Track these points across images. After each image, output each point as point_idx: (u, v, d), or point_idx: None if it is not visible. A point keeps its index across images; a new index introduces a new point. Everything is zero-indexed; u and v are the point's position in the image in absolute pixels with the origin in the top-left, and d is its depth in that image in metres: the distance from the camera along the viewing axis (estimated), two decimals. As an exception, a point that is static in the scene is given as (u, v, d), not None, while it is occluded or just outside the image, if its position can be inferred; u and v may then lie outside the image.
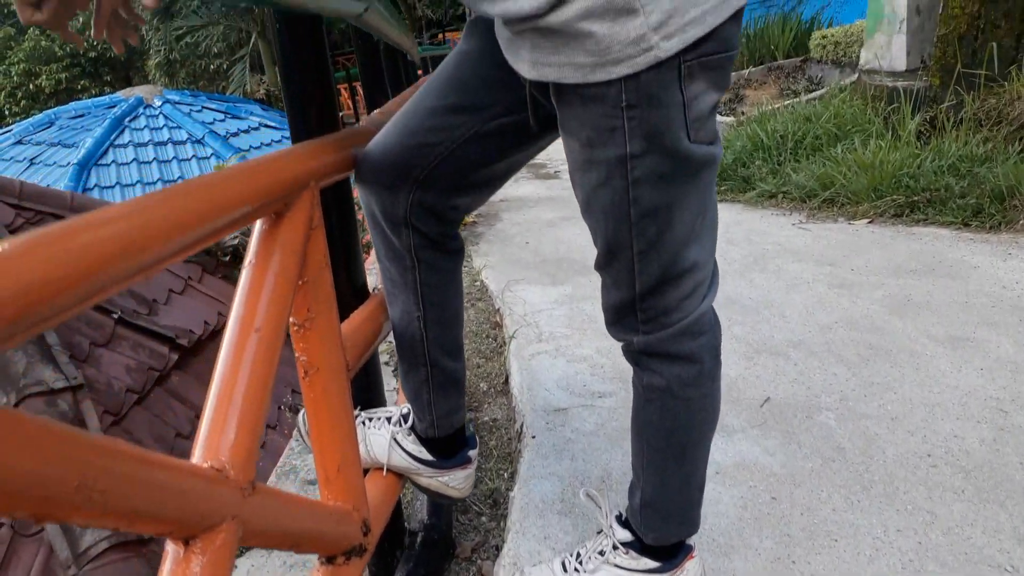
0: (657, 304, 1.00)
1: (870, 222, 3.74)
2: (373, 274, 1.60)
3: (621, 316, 1.04)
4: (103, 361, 4.15)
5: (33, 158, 8.23)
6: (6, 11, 16.88)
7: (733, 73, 9.49)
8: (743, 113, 7.06)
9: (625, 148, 0.89)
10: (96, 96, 16.62)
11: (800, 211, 4.23)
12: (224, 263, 5.25)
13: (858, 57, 7.09)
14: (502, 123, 1.08)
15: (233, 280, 5.22)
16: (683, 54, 0.85)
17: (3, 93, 16.21)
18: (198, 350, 4.62)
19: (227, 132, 8.72)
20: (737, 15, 0.89)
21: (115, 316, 4.38)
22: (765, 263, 3.10)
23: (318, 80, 1.19)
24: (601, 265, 1.02)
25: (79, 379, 3.74)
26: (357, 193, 1.25)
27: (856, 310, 2.53)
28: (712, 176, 0.97)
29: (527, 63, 0.91)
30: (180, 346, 4.43)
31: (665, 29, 0.83)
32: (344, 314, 1.15)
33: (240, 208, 0.80)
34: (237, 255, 5.26)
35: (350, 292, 1.36)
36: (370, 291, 1.43)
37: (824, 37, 8.28)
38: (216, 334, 4.78)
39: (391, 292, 1.23)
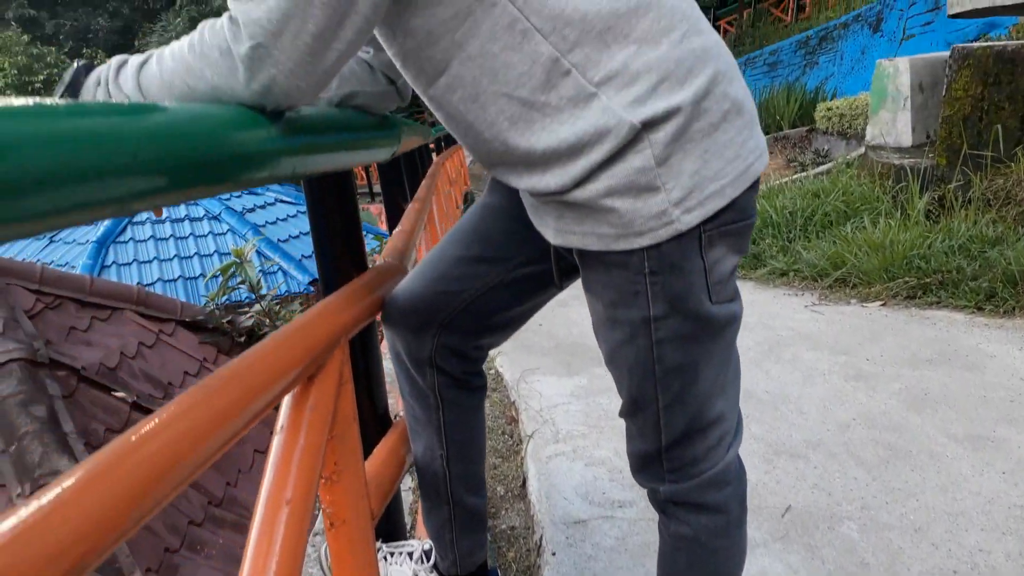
0: (683, 455, 1.01)
1: (883, 304, 3.75)
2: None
3: (647, 464, 1.05)
4: (118, 447, 4.15)
5: (52, 235, 8.40)
6: (30, 89, 17.44)
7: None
8: (751, 187, 7.14)
9: (648, 310, 0.92)
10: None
11: (812, 291, 4.25)
12: (239, 343, 5.29)
13: (863, 130, 7.22)
14: (525, 272, 1.12)
15: (248, 361, 5.25)
16: (703, 224, 0.88)
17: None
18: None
19: (243, 208, 8.89)
20: (754, 184, 0.93)
21: (130, 401, 4.40)
22: (780, 351, 3.11)
23: (347, 230, 1.23)
24: (626, 414, 1.04)
25: (94, 468, 3.73)
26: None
27: (873, 405, 2.52)
28: (735, 332, 0.99)
29: (552, 230, 0.95)
30: (195, 430, 4.43)
31: (686, 204, 0.86)
32: (366, 440, 1.17)
33: (277, 385, 0.83)
34: (252, 335, 5.30)
35: (373, 419, 1.38)
36: (392, 418, 1.45)
37: (829, 109, 8.43)
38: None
39: (414, 428, 1.25)
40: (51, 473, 3.55)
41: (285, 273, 7.95)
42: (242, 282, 5.11)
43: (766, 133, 10.76)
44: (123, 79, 0.83)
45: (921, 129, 5.62)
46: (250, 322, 5.38)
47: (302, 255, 8.42)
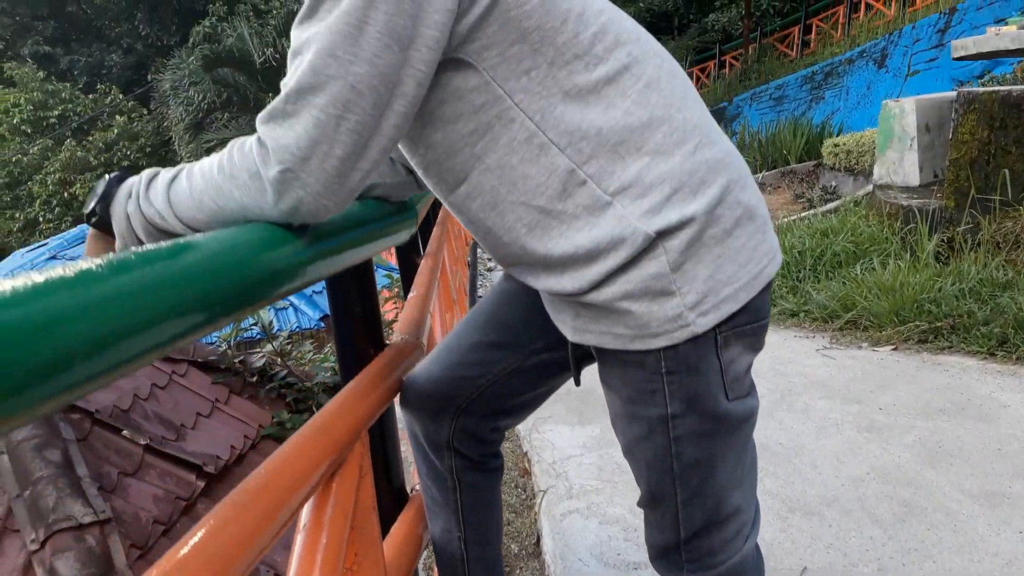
0: (702, 546, 1.02)
1: (894, 349, 3.74)
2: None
3: (666, 555, 1.06)
4: (131, 491, 4.16)
5: (67, 272, 8.47)
6: (45, 124, 17.72)
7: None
8: (760, 224, 7.16)
9: (666, 409, 0.93)
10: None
11: (823, 333, 4.25)
12: (251, 383, 5.31)
13: (871, 166, 7.25)
14: (542, 359, 1.14)
15: (260, 400, 5.27)
16: (719, 327, 0.90)
17: (38, 201, 16.81)
18: (225, 476, 4.62)
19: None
20: (768, 285, 0.95)
21: (143, 444, 4.42)
22: (792, 400, 3.10)
23: (366, 312, 1.25)
24: (645, 505, 1.05)
25: (107, 512, 3.75)
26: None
27: (888, 459, 2.51)
28: (752, 427, 1.01)
29: (569, 327, 0.97)
30: (207, 473, 4.44)
31: (701, 307, 0.88)
32: (383, 518, 1.18)
33: (301, 492, 0.84)
34: (264, 374, 5.32)
35: (390, 497, 1.39)
36: (408, 492, 1.46)
37: (836, 145, 8.47)
38: (242, 459, 4.79)
39: (432, 509, 1.26)
40: (65, 518, 3.56)
41: (296, 309, 7.99)
42: (254, 324, 5.14)
43: (773, 167, 10.81)
44: (153, 193, 0.86)
45: (928, 169, 5.65)
46: (261, 362, 5.40)
47: (312, 291, 8.46)
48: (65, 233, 10.28)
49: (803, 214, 6.64)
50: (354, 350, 1.25)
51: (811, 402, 3.07)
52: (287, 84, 0.79)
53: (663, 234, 0.86)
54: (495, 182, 0.90)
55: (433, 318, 2.45)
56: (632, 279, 0.87)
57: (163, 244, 0.76)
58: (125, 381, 5.04)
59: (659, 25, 22.81)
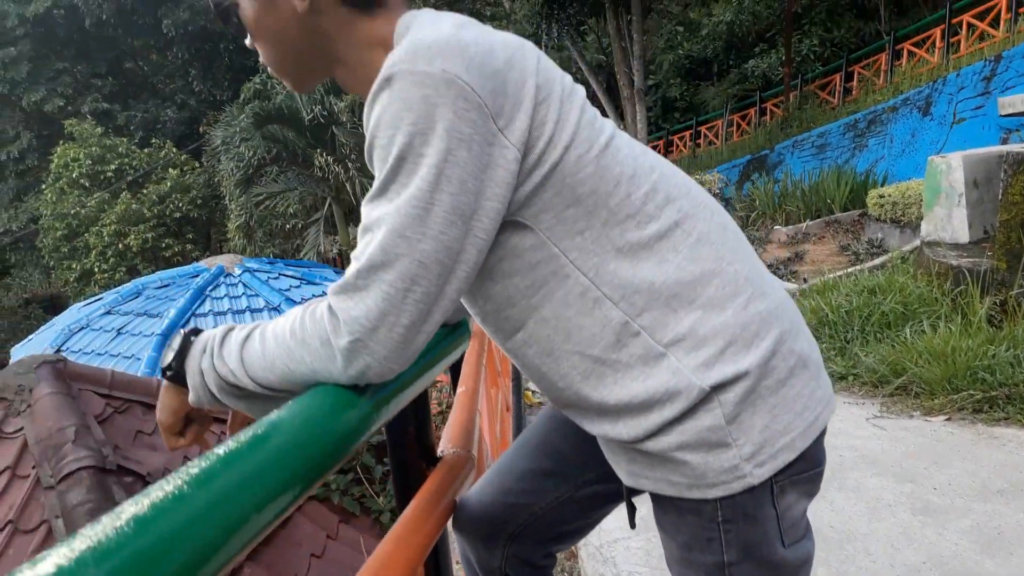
0: None
1: (948, 419, 3.66)
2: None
3: None
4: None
5: (120, 328, 8.73)
6: (102, 177, 18.40)
7: (791, 227, 9.59)
8: (804, 279, 7.10)
9: (722, 556, 0.94)
10: (178, 252, 17.72)
11: (873, 399, 4.17)
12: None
13: (918, 218, 7.15)
14: (595, 490, 1.16)
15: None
16: (775, 476, 0.91)
17: (94, 252, 17.38)
18: (270, 538, 4.66)
19: (302, 298, 9.13)
20: (824, 431, 0.96)
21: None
22: (844, 477, 3.05)
23: (420, 431, 1.29)
24: None
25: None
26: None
27: (944, 546, 2.44)
28: (808, 571, 1.01)
29: (624, 471, 0.99)
30: (253, 537, 4.48)
31: (757, 458, 0.90)
32: None
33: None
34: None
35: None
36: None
37: (881, 196, 8.38)
38: (287, 520, 4.83)
39: (485, 628, 1.27)
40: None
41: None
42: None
43: (816, 216, 10.71)
44: (227, 352, 0.91)
45: (978, 225, 5.56)
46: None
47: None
48: (119, 288, 10.61)
49: (849, 270, 6.56)
50: (409, 469, 1.28)
51: (863, 479, 3.01)
52: (358, 259, 0.84)
53: (718, 388, 0.88)
54: (551, 332, 0.93)
55: (481, 418, 2.44)
56: (687, 430, 0.89)
57: (246, 436, 0.81)
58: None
59: (698, 71, 22.94)
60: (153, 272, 17.37)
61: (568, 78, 0.97)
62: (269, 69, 1.06)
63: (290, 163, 13.13)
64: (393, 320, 0.82)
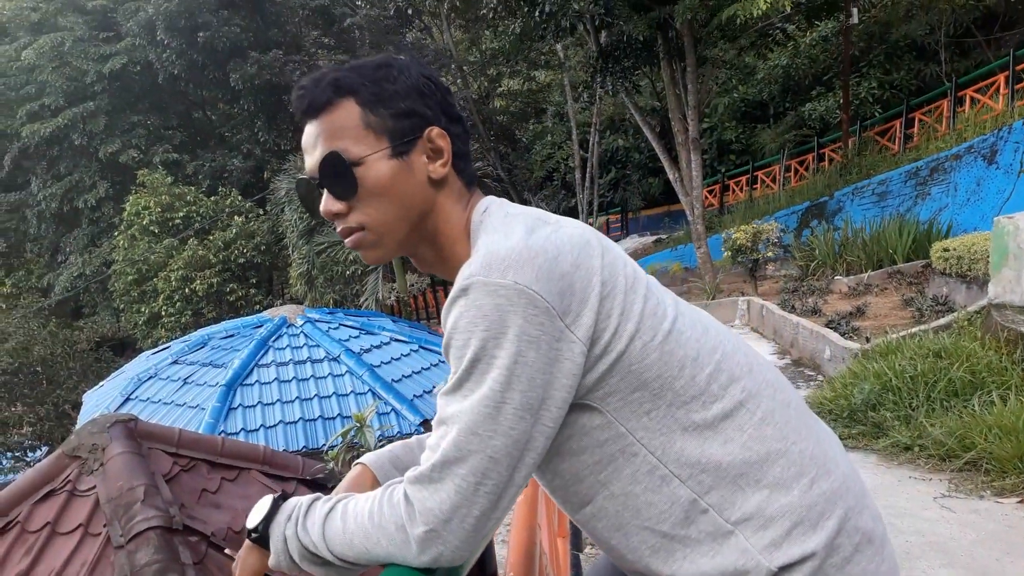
0: None
1: (1020, 502, 3.53)
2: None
3: None
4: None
5: (186, 378, 9.02)
6: (171, 225, 19.14)
7: (852, 277, 9.35)
8: (867, 338, 6.95)
9: None
10: (242, 297, 18.23)
11: (940, 474, 4.06)
12: (355, 504, 5.45)
13: (984, 274, 6.95)
14: None
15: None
16: None
17: (162, 296, 18.01)
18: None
19: (361, 349, 9.32)
20: None
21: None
22: (911, 568, 2.97)
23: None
24: None
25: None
26: None
27: (1019, 652, 2.36)
28: None
29: None
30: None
31: None
32: None
33: None
34: (367, 495, 5.45)
35: None
36: None
37: (946, 250, 8.18)
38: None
39: None
40: (183, 648, 3.71)
41: (397, 414, 8.20)
42: (361, 448, 5.32)
43: (878, 266, 10.47)
44: (311, 524, 0.99)
45: (1049, 289, 5.39)
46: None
47: (414, 395, 8.68)
48: (187, 337, 10.98)
49: (913, 329, 6.40)
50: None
51: (932, 572, 2.93)
52: (434, 450, 0.91)
53: (785, 568, 0.92)
54: (619, 507, 0.98)
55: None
56: None
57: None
58: (239, 500, 5.25)
59: (754, 114, 22.83)
60: (217, 315, 17.95)
61: (631, 266, 1.03)
62: (351, 239, 1.08)
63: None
64: (465, 512, 0.88)
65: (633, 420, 0.96)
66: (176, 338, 17.03)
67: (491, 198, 1.11)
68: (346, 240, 1.10)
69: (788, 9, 10.33)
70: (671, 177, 13.92)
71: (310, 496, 1.04)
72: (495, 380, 0.88)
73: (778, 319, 9.22)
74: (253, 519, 1.05)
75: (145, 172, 20.07)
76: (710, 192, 21.51)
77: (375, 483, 1.15)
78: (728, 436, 0.95)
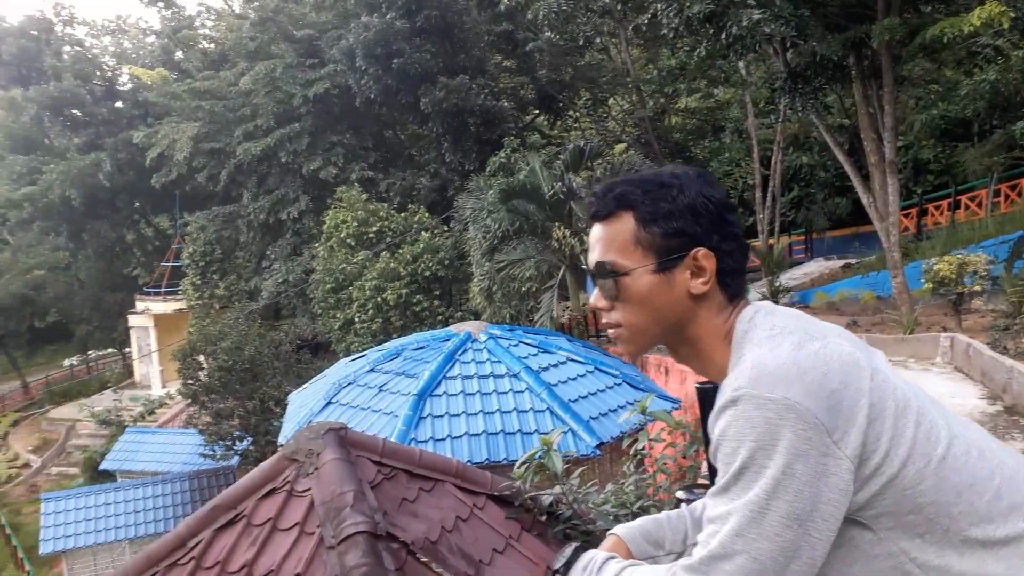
0: None
1: None
2: None
3: None
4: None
5: (382, 386, 9.76)
6: (365, 238, 20.62)
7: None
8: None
9: None
10: (426, 308, 19.30)
11: None
12: (540, 522, 5.68)
13: None
14: None
15: (548, 540, 5.60)
16: None
17: (355, 304, 19.44)
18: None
19: (539, 367, 9.66)
20: None
21: (450, 577, 4.89)
22: None
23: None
24: None
25: (424, 643, 4.23)
26: None
27: None
28: None
29: None
30: (503, 612, 4.81)
31: None
32: None
33: None
34: (552, 514, 5.66)
35: None
36: None
37: None
38: (532, 597, 5.12)
39: None
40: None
41: (574, 434, 8.42)
42: (548, 472, 5.55)
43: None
44: None
45: None
46: (550, 499, 5.78)
47: (590, 416, 8.87)
48: (382, 347, 11.88)
49: None
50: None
51: None
52: (705, 546, 1.04)
53: None
54: None
55: None
56: None
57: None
58: (434, 511, 5.63)
59: (955, 132, 21.11)
60: (404, 324, 19.11)
61: (901, 389, 1.07)
62: (611, 331, 1.23)
63: (530, 234, 14.01)
64: None
65: (906, 540, 1.00)
66: (367, 343, 18.37)
67: (757, 306, 1.18)
68: (608, 331, 1.25)
69: (1006, 25, 9.54)
70: (864, 200, 13.21)
71: (604, 554, 1.25)
72: (762, 487, 0.97)
73: (987, 360, 8.53)
74: (558, 561, 1.28)
75: (344, 188, 21.80)
76: (905, 215, 20.09)
77: (628, 553, 1.26)
78: (1010, 563, 0.98)
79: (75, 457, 29.07)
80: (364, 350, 17.72)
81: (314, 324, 22.23)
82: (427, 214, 21.07)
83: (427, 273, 19.12)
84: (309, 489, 5.28)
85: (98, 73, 36.12)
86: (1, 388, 40.34)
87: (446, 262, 19.30)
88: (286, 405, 17.98)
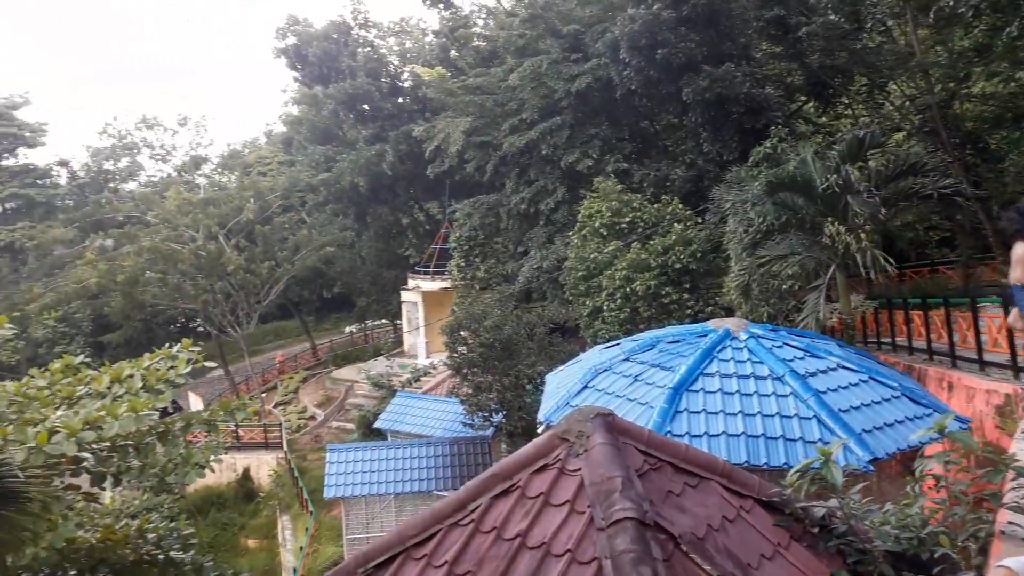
0: None
1: None
2: None
3: None
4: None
5: (636, 375, 9.87)
6: (617, 228, 20.81)
7: None
8: None
9: None
10: (675, 300, 19.12)
11: None
12: (811, 533, 5.44)
13: None
14: None
15: (819, 554, 5.35)
16: None
17: (604, 293, 19.78)
18: (782, 625, 4.80)
19: (806, 371, 9.18)
20: None
21: None
22: None
23: None
24: None
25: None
26: None
27: None
28: None
29: None
30: (771, 619, 4.69)
31: None
32: None
33: None
34: (824, 527, 5.40)
35: None
36: None
37: None
38: (799, 608, 4.93)
39: None
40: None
41: (844, 447, 7.90)
42: (825, 484, 5.30)
43: None
44: None
45: None
46: (822, 512, 5.49)
47: (863, 429, 8.27)
48: (636, 337, 12.00)
49: None
50: None
51: None
52: None
53: None
54: None
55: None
56: None
57: None
58: (700, 508, 5.59)
59: None
60: (651, 315, 19.15)
61: None
62: None
63: (797, 228, 13.29)
64: None
65: None
66: (614, 331, 18.69)
67: None
68: None
69: None
70: None
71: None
72: None
73: None
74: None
75: (600, 179, 22.23)
76: None
77: None
78: None
79: (352, 414, 32.81)
80: (611, 337, 18.05)
81: (565, 309, 22.94)
82: (680, 205, 20.82)
83: (678, 265, 18.92)
84: (579, 469, 5.47)
85: (385, 71, 40.05)
86: (294, 348, 46.61)
87: (698, 255, 18.96)
88: (538, 384, 18.97)
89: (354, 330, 48.29)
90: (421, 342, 36.63)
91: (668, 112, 26.50)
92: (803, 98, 26.38)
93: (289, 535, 25.04)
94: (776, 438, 8.32)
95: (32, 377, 8.94)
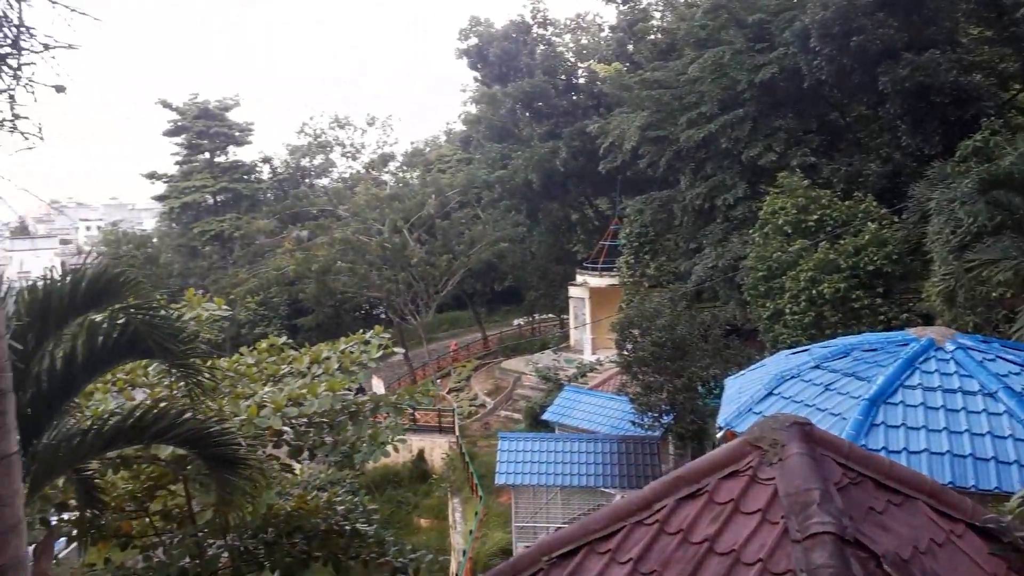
0: None
1: None
2: None
3: None
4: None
5: (828, 384, 9.36)
6: (803, 226, 19.80)
7: None
8: None
9: None
10: (867, 305, 17.94)
11: None
12: None
13: None
14: None
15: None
16: None
17: (787, 295, 18.91)
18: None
19: (1022, 388, 8.36)
20: None
21: None
22: None
23: None
24: None
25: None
26: None
27: None
28: None
29: None
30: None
31: None
32: None
33: None
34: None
35: None
36: None
37: None
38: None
39: None
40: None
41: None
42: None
43: None
44: None
45: None
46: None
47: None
48: (827, 343, 11.39)
49: None
50: None
51: None
52: None
53: None
54: None
55: None
56: None
57: None
58: (904, 528, 5.26)
59: None
60: (839, 320, 18.10)
61: None
62: None
63: (1013, 230, 12.03)
64: None
65: None
66: (797, 336, 17.85)
67: None
68: None
69: None
70: None
71: None
72: None
73: None
74: None
75: (784, 174, 21.24)
76: None
77: None
78: None
79: (519, 405, 33.61)
80: (793, 343, 17.23)
81: (743, 311, 22.19)
82: (874, 203, 19.45)
83: (870, 267, 17.72)
84: (772, 479, 5.32)
85: (561, 68, 40.51)
86: (466, 338, 48.43)
87: (894, 257, 17.65)
88: (711, 387, 18.51)
89: (522, 323, 49.41)
90: (587, 338, 36.82)
91: (861, 103, 24.82)
92: (1018, 87, 23.81)
93: (459, 517, 26.09)
94: (987, 459, 7.63)
95: (241, 355, 9.97)
